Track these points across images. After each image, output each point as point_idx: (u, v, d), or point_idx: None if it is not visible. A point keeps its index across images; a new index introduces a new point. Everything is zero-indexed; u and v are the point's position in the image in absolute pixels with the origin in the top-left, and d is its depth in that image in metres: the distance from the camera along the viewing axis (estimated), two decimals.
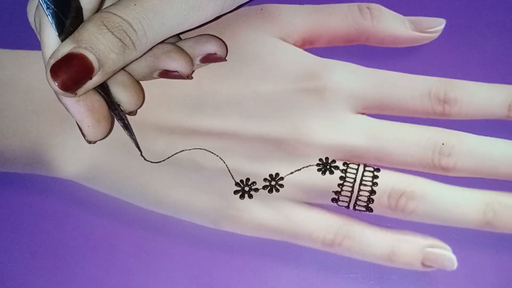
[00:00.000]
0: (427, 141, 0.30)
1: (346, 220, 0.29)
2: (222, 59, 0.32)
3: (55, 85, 0.26)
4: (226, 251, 0.29)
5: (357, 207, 0.29)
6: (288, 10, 0.33)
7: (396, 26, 0.33)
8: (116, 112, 0.29)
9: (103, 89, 0.28)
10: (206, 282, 0.28)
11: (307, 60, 0.33)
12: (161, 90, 0.32)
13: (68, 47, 0.26)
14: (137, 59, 0.28)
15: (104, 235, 0.29)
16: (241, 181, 0.30)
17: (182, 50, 0.30)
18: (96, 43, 0.26)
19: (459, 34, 0.33)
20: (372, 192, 0.29)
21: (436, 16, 0.33)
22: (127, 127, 0.30)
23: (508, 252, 0.28)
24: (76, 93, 0.26)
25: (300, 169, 0.30)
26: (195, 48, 0.31)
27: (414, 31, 0.33)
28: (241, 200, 0.29)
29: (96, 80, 0.26)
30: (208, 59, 0.31)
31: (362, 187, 0.29)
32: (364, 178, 0.30)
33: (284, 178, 0.30)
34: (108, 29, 0.26)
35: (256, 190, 0.30)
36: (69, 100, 0.27)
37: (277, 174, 0.30)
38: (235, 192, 0.30)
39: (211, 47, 0.31)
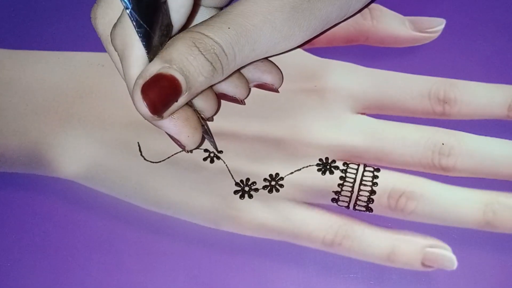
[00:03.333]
0: (427, 141, 0.30)
1: (346, 220, 0.29)
2: (277, 91, 0.31)
3: (144, 106, 0.25)
4: (226, 251, 0.28)
5: (357, 207, 0.29)
6: None
7: (396, 26, 0.33)
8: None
9: None
10: (206, 282, 0.28)
11: (307, 60, 0.33)
12: None
13: (157, 66, 0.24)
14: None
15: (104, 235, 0.29)
16: (241, 181, 0.30)
17: (243, 77, 0.30)
18: (187, 64, 0.25)
19: (459, 34, 0.33)
20: (372, 192, 0.29)
21: (436, 16, 0.33)
22: (207, 132, 0.30)
23: (508, 252, 0.28)
24: (163, 117, 0.26)
25: (300, 169, 0.30)
26: (254, 74, 0.30)
27: (414, 31, 0.33)
28: (241, 200, 0.29)
29: (181, 102, 0.25)
30: (263, 87, 0.31)
31: (362, 187, 0.29)
32: (364, 178, 0.30)
33: (284, 178, 0.30)
34: (200, 51, 0.25)
35: (256, 190, 0.30)
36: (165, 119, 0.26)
37: (277, 174, 0.30)
38: (235, 192, 0.30)
39: (271, 79, 0.31)
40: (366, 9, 0.33)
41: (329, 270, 0.28)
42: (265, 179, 0.30)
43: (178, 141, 0.27)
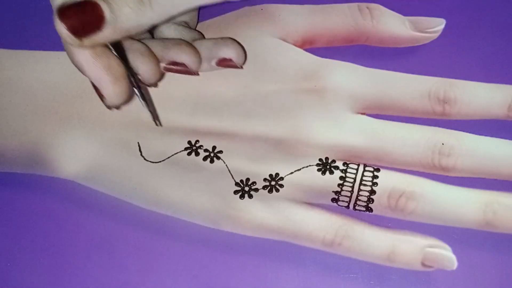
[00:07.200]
0: (427, 141, 0.30)
1: (346, 220, 0.29)
2: (238, 66, 0.31)
3: (62, 26, 0.25)
4: (226, 251, 0.29)
5: (357, 207, 0.29)
6: (288, 10, 0.33)
7: (396, 26, 0.33)
8: (133, 80, 0.28)
9: (120, 54, 0.27)
10: (206, 282, 0.28)
11: (307, 60, 0.33)
12: (161, 90, 0.32)
13: None
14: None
15: (104, 235, 0.29)
16: (241, 181, 0.30)
17: (193, 47, 0.30)
18: None
19: (459, 34, 0.33)
20: (372, 192, 0.29)
21: (436, 16, 0.33)
22: (143, 97, 0.29)
23: (508, 252, 0.28)
24: (82, 41, 0.25)
25: (300, 169, 0.30)
26: (211, 50, 0.30)
27: (414, 31, 0.33)
28: (241, 200, 0.29)
29: (106, 34, 0.25)
30: (223, 64, 0.31)
31: (362, 187, 0.29)
32: (364, 178, 0.30)
33: (284, 178, 0.30)
34: None
35: (256, 190, 0.30)
36: (85, 60, 0.26)
37: (277, 174, 0.30)
38: (235, 192, 0.30)
39: (228, 52, 0.30)
40: (366, 9, 0.33)
41: (329, 270, 0.28)
42: (265, 179, 0.30)
43: (98, 90, 0.27)
